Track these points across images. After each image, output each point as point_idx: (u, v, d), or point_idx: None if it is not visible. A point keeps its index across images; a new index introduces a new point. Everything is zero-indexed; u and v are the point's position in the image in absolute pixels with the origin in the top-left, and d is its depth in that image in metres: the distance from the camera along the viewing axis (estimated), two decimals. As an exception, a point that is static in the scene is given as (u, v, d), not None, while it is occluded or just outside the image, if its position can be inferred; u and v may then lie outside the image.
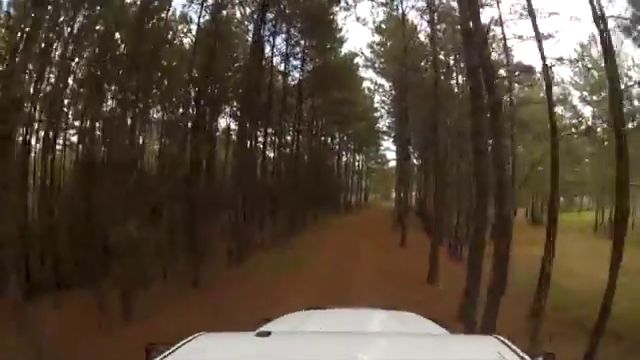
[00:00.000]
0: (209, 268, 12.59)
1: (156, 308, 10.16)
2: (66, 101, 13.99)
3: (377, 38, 19.84)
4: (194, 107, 15.32)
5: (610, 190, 11.87)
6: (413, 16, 17.37)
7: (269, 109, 16.90)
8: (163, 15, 14.51)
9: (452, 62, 18.51)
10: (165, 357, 1.22)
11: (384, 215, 23.09)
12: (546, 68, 10.62)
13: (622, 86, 9.75)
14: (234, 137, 17.83)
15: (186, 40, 16.04)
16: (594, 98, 15.78)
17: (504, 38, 15.00)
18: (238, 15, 16.68)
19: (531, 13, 10.69)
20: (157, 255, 12.41)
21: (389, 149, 39.59)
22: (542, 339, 8.00)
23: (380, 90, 23.05)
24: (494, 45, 15.38)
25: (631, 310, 8.90)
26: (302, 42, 18.03)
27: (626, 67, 13.51)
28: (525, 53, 18.20)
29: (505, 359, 1.20)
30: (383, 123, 28.40)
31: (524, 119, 16.19)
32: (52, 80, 13.01)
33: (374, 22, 18.96)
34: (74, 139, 14.76)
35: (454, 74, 18.89)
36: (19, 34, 10.73)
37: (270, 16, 16.38)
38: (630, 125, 10.64)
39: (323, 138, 25.00)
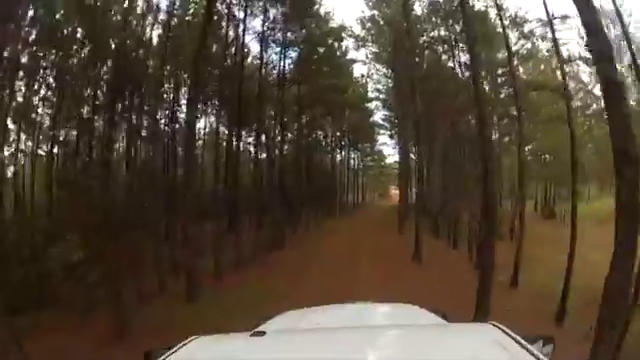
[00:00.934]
0: (149, 310, 9.38)
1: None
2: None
3: (368, 12, 17.33)
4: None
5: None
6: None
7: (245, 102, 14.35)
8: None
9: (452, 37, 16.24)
10: None
11: (385, 216, 20.65)
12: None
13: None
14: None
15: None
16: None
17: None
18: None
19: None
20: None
21: (386, 144, 37.80)
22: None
23: (374, 76, 20.61)
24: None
25: None
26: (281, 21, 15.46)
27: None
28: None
29: (502, 344, 1.22)
30: (379, 115, 26.27)
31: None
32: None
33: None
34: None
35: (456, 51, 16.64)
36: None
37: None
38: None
39: (314, 134, 22.56)
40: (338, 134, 26.01)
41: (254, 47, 15.53)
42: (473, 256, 12.83)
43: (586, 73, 15.39)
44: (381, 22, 16.98)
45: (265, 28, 14.67)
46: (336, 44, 17.19)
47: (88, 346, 7.62)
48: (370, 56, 19.18)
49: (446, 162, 17.67)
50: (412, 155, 22.41)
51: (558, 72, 13.88)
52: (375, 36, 17.15)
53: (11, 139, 12.15)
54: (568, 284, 9.19)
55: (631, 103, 11.24)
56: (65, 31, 12.34)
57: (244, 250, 12.32)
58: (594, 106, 17.53)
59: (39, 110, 12.55)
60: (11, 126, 12.19)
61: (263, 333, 1.44)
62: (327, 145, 24.91)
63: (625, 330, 6.56)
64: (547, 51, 15.63)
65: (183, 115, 14.32)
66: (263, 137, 16.49)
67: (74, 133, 12.98)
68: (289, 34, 15.05)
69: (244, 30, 14.19)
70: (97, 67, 12.84)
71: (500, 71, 16.04)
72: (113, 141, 13.01)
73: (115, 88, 12.51)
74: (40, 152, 12.90)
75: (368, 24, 17.16)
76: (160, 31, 13.88)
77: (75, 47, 12.48)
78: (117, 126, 13.12)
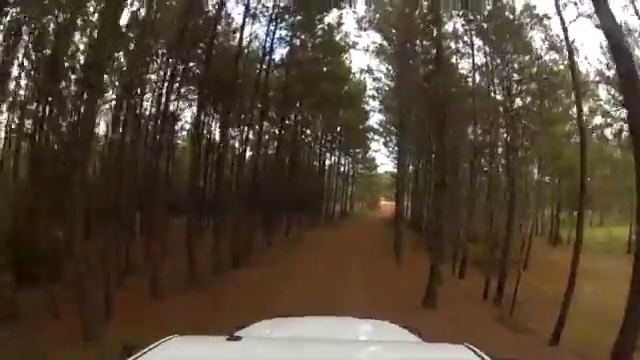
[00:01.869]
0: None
1: None
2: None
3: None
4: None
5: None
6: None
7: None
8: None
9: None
10: (138, 357, 1.23)
11: (377, 231, 18.01)
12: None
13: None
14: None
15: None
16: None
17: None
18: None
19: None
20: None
21: (379, 152, 35.52)
22: None
23: (375, 73, 18.06)
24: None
25: None
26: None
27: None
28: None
29: None
30: (374, 120, 23.92)
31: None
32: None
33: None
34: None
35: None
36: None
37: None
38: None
39: (302, 132, 19.92)
40: (329, 137, 23.47)
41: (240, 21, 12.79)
42: (489, 292, 10.42)
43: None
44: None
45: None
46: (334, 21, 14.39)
47: None
48: (372, 47, 16.67)
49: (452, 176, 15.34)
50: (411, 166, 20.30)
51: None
52: (380, 17, 14.54)
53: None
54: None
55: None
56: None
57: (194, 266, 9.34)
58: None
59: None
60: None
61: (239, 338, 1.49)
62: (318, 146, 22.30)
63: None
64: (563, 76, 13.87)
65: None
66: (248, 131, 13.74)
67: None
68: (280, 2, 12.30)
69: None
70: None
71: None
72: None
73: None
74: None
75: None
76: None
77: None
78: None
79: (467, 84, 15.51)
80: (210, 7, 11.79)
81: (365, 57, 19.34)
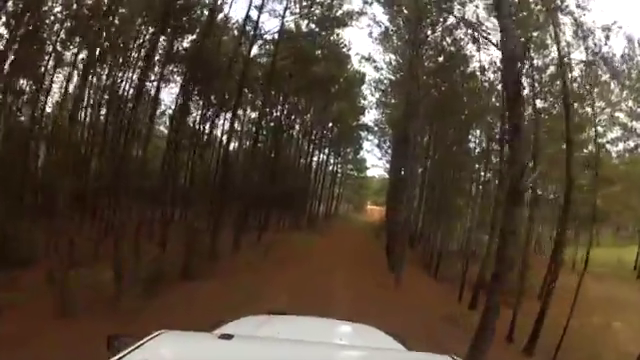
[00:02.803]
0: None
1: None
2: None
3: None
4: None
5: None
6: None
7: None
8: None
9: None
10: (129, 353, 1.20)
11: (363, 237, 16.05)
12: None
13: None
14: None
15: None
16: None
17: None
18: None
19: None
20: None
21: (372, 152, 33.89)
22: None
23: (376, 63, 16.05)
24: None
25: None
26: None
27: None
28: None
29: None
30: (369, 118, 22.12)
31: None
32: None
33: None
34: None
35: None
36: None
37: None
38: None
39: (289, 125, 17.81)
40: (319, 133, 21.39)
41: None
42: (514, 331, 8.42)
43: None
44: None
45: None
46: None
47: None
48: (376, 32, 14.66)
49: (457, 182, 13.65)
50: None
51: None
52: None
53: None
54: None
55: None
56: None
57: (120, 279, 7.03)
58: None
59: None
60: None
61: (231, 336, 1.45)
62: (306, 141, 20.19)
63: None
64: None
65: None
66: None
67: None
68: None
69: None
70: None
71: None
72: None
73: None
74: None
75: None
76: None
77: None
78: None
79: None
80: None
81: (365, 47, 17.40)
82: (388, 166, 23.37)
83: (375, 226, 20.81)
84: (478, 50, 13.80)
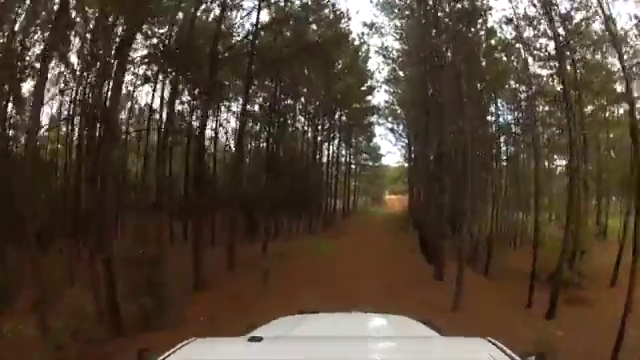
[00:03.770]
0: None
1: None
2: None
3: None
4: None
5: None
6: None
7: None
8: None
9: None
10: None
11: (391, 233, 13.79)
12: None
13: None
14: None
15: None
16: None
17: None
18: None
19: None
20: None
21: (386, 138, 32.16)
22: None
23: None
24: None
25: None
26: None
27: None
28: None
29: (496, 359, 1.20)
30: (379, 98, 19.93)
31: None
32: None
33: None
34: None
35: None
36: None
37: None
38: None
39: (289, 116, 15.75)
40: (326, 122, 19.19)
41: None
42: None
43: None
44: None
45: None
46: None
47: None
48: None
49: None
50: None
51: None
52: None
53: None
54: None
55: None
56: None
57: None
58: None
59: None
60: None
61: (260, 339, 1.43)
62: (312, 131, 18.09)
63: None
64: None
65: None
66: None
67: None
68: None
69: None
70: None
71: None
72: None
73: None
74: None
75: None
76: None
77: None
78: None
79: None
80: None
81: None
82: (404, 152, 21.24)
83: (398, 217, 18.68)
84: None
